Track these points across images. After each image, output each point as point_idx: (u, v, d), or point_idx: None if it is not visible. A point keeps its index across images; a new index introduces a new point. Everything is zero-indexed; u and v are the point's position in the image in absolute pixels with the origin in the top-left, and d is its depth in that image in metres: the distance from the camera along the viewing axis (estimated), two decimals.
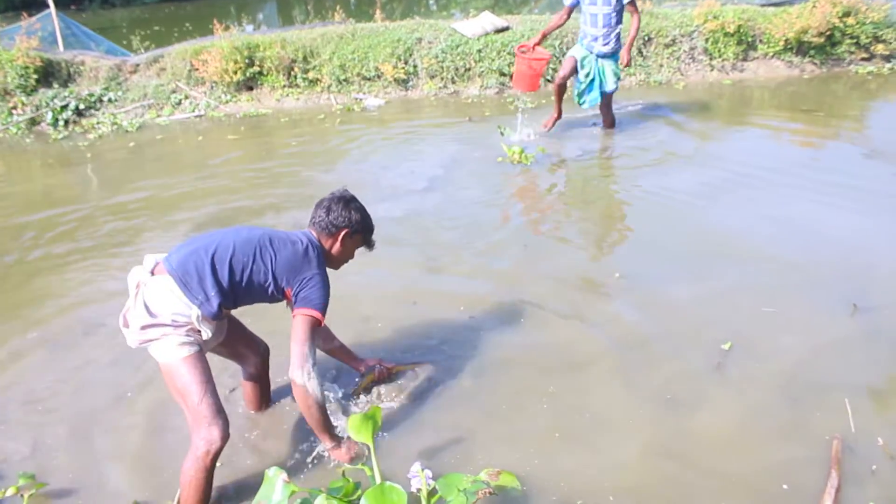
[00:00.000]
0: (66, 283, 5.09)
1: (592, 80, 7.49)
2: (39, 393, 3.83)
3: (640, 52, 10.58)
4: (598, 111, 8.14)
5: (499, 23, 10.72)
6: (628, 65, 7.47)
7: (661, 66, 10.61)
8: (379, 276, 4.90)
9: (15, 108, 10.00)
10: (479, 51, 10.38)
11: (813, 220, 5.55)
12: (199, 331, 2.83)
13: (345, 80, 10.35)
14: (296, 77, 10.35)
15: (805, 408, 3.47)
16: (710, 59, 10.65)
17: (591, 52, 7.32)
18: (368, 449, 2.97)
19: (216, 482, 2.96)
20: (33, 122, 9.91)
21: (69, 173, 7.92)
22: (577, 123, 8.53)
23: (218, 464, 2.94)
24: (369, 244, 3.30)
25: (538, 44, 7.42)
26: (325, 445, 3.18)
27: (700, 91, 10.02)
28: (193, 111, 10.02)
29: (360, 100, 10.17)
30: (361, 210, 3.18)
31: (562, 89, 7.79)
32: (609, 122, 8.09)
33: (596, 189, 6.51)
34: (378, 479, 2.80)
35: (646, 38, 10.56)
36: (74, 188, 7.34)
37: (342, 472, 2.87)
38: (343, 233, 3.10)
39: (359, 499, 2.67)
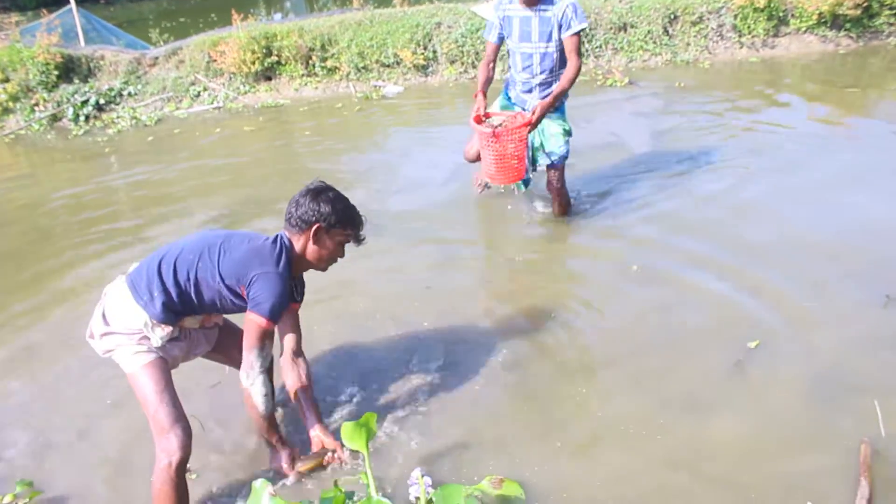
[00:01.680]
0: (74, 278, 5.03)
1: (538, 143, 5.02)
2: (40, 396, 3.76)
3: (665, 30, 10.27)
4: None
5: None
6: (538, 118, 4.54)
7: (688, 44, 10.29)
8: (390, 268, 4.76)
9: (37, 104, 10.02)
10: None
11: (849, 204, 5.27)
12: (146, 336, 2.75)
13: (363, 67, 10.19)
14: (314, 66, 10.23)
15: (831, 411, 3.23)
16: (739, 36, 10.30)
17: (525, 109, 4.92)
18: (363, 458, 2.83)
19: (202, 489, 2.86)
20: (55, 118, 9.91)
21: (89, 169, 7.89)
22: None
23: (193, 476, 2.87)
24: (356, 239, 2.95)
25: (486, 114, 4.76)
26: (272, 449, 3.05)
27: (728, 70, 9.70)
28: (212, 103, 9.95)
29: (379, 87, 10.01)
30: (335, 201, 2.82)
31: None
32: (562, 205, 5.29)
33: (612, 179, 6.26)
34: (373, 490, 2.67)
35: (671, 17, 10.24)
36: (91, 183, 7.29)
37: (335, 481, 2.75)
38: (314, 228, 2.79)
39: None
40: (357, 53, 10.14)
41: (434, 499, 2.56)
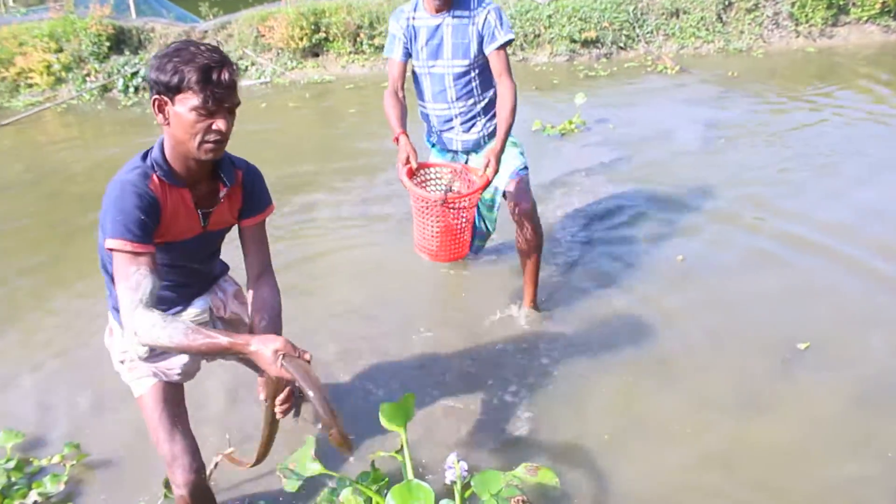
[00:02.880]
0: None
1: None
2: (87, 364, 3.82)
3: (719, 17, 10.05)
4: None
5: None
6: (494, 172, 3.32)
7: (742, 32, 10.08)
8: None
9: (88, 75, 10.17)
10: (550, 16, 10.04)
11: None
12: (136, 359, 2.32)
13: None
14: (361, 43, 10.23)
15: (882, 418, 3.11)
16: (796, 24, 10.06)
17: (449, 151, 3.81)
18: (400, 438, 2.83)
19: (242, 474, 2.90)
20: (105, 88, 10.06)
21: (137, 138, 8.00)
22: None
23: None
24: (201, 97, 1.89)
25: (418, 165, 3.43)
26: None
27: (784, 59, 9.47)
28: (259, 78, 10.01)
29: None
30: (159, 58, 1.93)
31: None
32: (532, 230, 3.71)
33: (648, 165, 6.14)
34: (409, 472, 2.67)
35: (726, 3, 10.03)
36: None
37: (372, 461, 2.76)
38: (155, 103, 1.98)
39: (387, 487, 2.56)
40: None
41: (473, 483, 2.55)
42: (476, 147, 3.70)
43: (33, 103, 9.87)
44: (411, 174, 3.37)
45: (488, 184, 3.34)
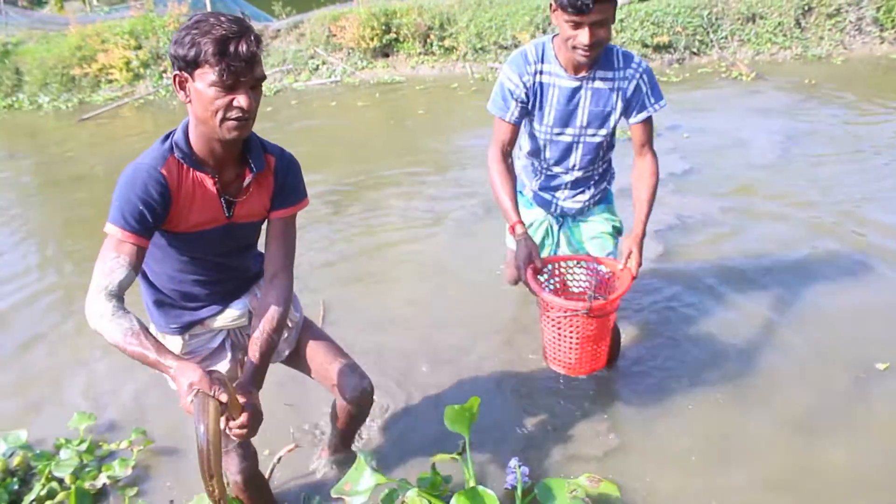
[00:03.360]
0: None
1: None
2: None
3: (797, 22, 9.79)
4: None
5: None
6: (638, 265, 2.80)
7: (822, 38, 9.79)
8: (492, 248, 4.72)
9: (164, 71, 10.47)
10: (622, 21, 9.93)
11: None
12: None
13: (481, 48, 10.16)
14: (431, 45, 10.28)
15: None
16: (881, 30, 9.71)
17: (550, 212, 3.24)
18: (463, 442, 2.81)
19: (302, 468, 2.92)
20: None
21: None
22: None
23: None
24: (217, 70, 1.74)
25: (538, 265, 2.76)
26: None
27: (865, 66, 9.16)
28: (330, 77, 10.14)
29: (496, 69, 9.96)
30: (178, 32, 1.78)
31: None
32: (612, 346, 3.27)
33: (723, 176, 5.99)
34: (472, 477, 2.66)
35: (805, 8, 9.75)
36: None
37: (432, 464, 2.75)
38: (176, 80, 1.83)
39: (448, 494, 2.55)
40: (475, 34, 10.12)
41: (537, 489, 2.54)
42: (579, 213, 3.17)
43: (112, 98, 10.22)
44: (535, 274, 2.76)
45: (633, 280, 2.77)
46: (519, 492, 2.60)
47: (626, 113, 2.80)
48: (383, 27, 10.15)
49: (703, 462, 2.97)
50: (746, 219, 5.05)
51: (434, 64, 10.22)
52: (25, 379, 3.77)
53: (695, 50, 9.79)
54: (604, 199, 3.20)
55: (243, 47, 1.75)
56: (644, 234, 2.84)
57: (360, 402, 2.48)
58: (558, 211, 3.18)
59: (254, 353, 2.01)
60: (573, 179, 3.03)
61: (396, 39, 10.30)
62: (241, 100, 1.80)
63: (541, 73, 2.72)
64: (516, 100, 2.76)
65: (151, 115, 9.50)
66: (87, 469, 2.97)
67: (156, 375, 3.66)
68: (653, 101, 2.78)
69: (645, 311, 4.06)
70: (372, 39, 10.08)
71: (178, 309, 2.18)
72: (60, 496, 2.82)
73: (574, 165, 2.96)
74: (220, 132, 1.85)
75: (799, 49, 9.72)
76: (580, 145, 2.89)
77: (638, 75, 2.71)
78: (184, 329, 2.21)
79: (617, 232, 3.19)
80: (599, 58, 2.64)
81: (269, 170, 2.08)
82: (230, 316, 2.24)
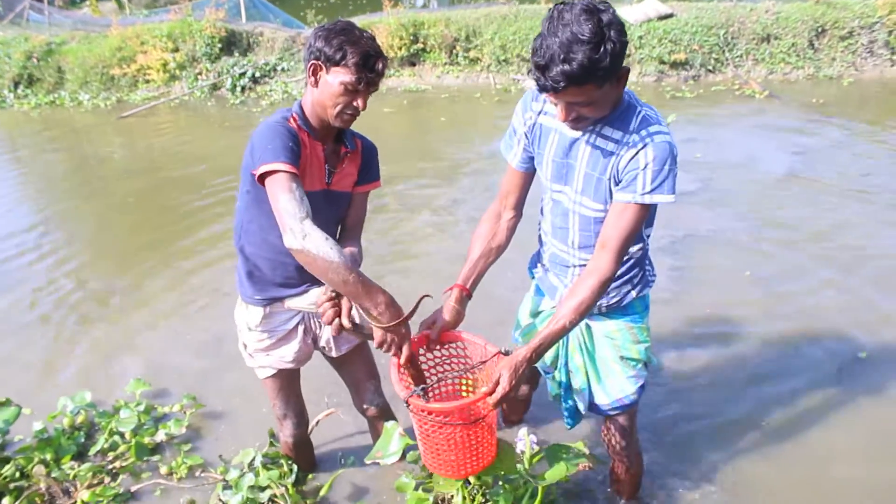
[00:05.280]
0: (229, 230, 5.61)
1: (565, 376, 2.56)
2: (205, 326, 4.32)
3: (810, 44, 10.08)
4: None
5: (663, 9, 10.53)
6: (502, 395, 1.99)
7: (834, 59, 10.07)
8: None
9: (200, 73, 10.89)
10: (640, 37, 10.25)
11: None
12: (254, 351, 2.56)
13: (504, 60, 10.52)
14: (457, 55, 10.65)
15: None
16: (892, 53, 9.99)
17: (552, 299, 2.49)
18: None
19: (339, 431, 3.26)
20: (214, 87, 10.75)
21: (240, 134, 8.58)
22: None
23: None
24: (355, 76, 2.10)
25: (442, 334, 2.28)
26: (368, 318, 2.00)
27: (874, 88, 9.43)
28: None
29: (519, 81, 10.32)
30: (331, 33, 2.12)
31: None
32: (628, 471, 2.80)
33: (728, 192, 6.29)
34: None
35: (819, 30, 10.04)
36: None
37: None
38: (311, 67, 2.16)
39: None
40: (499, 46, 10.48)
41: (545, 452, 2.75)
42: (589, 314, 2.34)
43: (149, 98, 10.66)
44: (423, 343, 2.26)
45: (485, 413, 2.09)
46: (528, 454, 2.87)
47: (618, 186, 2.06)
48: (411, 37, 10.53)
49: (700, 436, 3.29)
50: (753, 242, 5.24)
51: (459, 74, 10.59)
52: (85, 351, 4.18)
53: (710, 67, 10.10)
54: (624, 310, 2.39)
55: (379, 65, 2.16)
56: (531, 361, 2.06)
57: (370, 416, 2.88)
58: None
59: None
60: (579, 265, 2.31)
61: (423, 49, 10.69)
62: (360, 102, 2.18)
63: (543, 113, 2.21)
64: (518, 140, 2.29)
65: (186, 115, 9.92)
66: (145, 427, 3.34)
67: (204, 346, 4.08)
68: (645, 185, 1.99)
69: (674, 328, 4.19)
70: (400, 49, 10.45)
71: (266, 283, 2.41)
72: (122, 448, 3.21)
73: (573, 242, 2.29)
74: (332, 120, 2.21)
75: (811, 69, 10.01)
76: (576, 215, 2.22)
77: (642, 145, 1.98)
78: (267, 303, 2.44)
79: (644, 361, 2.43)
80: (612, 114, 2.03)
81: (358, 151, 2.45)
82: (311, 299, 2.45)
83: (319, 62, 2.15)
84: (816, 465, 3.09)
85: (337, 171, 2.37)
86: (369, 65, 2.13)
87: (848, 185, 6.15)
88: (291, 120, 2.21)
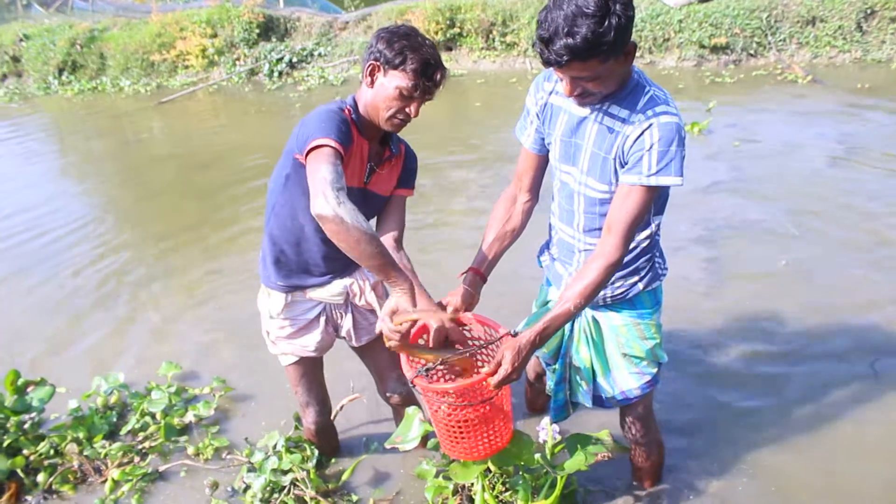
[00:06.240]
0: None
1: (561, 369, 2.56)
2: (235, 312, 4.37)
3: (858, 26, 9.80)
4: None
5: None
6: (503, 378, 1.98)
7: (884, 42, 9.77)
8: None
9: (238, 59, 10.99)
10: (680, 21, 10.08)
11: None
12: (277, 339, 2.60)
13: None
14: (493, 40, 10.59)
15: None
16: None
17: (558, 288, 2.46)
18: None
19: (365, 417, 3.29)
20: (252, 72, 10.84)
21: (276, 119, 8.66)
22: None
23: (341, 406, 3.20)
24: (412, 83, 2.10)
25: (457, 319, 2.22)
26: (391, 289, 2.07)
27: None
28: None
29: None
30: (394, 37, 2.12)
31: None
32: (648, 459, 2.77)
33: (768, 179, 6.16)
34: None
35: (868, 11, 9.75)
36: (281, 135, 8.04)
37: None
38: (369, 67, 2.15)
39: None
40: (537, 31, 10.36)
41: (566, 442, 2.76)
42: (594, 306, 2.36)
43: (188, 83, 10.80)
44: (418, 337, 2.23)
45: (491, 394, 2.07)
46: (550, 444, 2.87)
47: (623, 167, 2.03)
48: (448, 22, 10.49)
49: (708, 425, 3.25)
50: (791, 231, 5.14)
51: (495, 59, 10.53)
52: (120, 332, 4.27)
53: (752, 52, 9.90)
54: (631, 303, 2.34)
55: (438, 76, 2.16)
56: (534, 345, 2.03)
57: (394, 403, 2.92)
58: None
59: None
60: (585, 250, 2.26)
61: (460, 34, 10.64)
62: (412, 109, 2.18)
63: (554, 92, 2.16)
64: (531, 121, 2.27)
65: (223, 100, 10.03)
66: (176, 408, 3.40)
67: (235, 330, 4.12)
68: (651, 166, 1.95)
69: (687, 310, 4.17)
70: (436, 33, 10.42)
71: (291, 269, 2.44)
72: (152, 428, 3.27)
73: (578, 225, 2.24)
74: (382, 123, 2.20)
75: (859, 52, 9.74)
76: (581, 196, 2.18)
77: (648, 125, 1.93)
78: (289, 290, 2.48)
79: (654, 356, 2.39)
80: (620, 93, 1.99)
81: (401, 156, 2.45)
82: (332, 290, 2.50)
83: (378, 63, 2.14)
84: (843, 459, 3.01)
85: (378, 171, 2.38)
86: (428, 73, 2.12)
87: (893, 174, 5.98)
88: (346, 111, 2.21)
